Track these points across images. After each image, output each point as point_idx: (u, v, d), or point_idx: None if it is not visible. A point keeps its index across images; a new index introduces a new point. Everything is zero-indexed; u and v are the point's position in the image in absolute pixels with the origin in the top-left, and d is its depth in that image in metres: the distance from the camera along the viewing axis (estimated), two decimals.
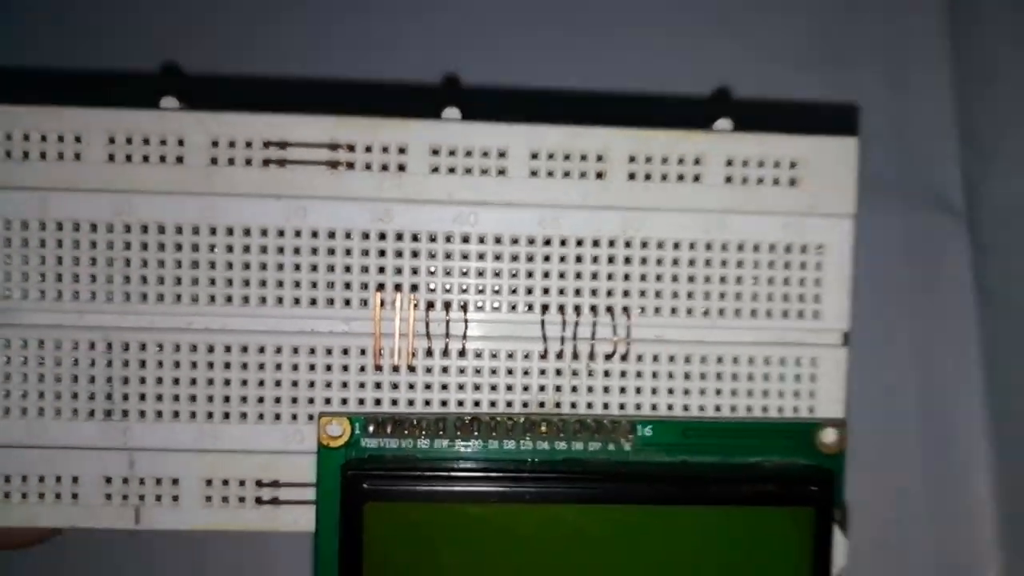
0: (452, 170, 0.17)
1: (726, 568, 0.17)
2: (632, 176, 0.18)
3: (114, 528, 0.17)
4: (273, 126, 0.17)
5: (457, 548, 0.16)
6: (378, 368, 0.17)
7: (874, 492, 0.24)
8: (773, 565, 0.17)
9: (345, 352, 0.17)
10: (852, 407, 0.18)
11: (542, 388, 0.18)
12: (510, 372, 0.18)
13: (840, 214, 0.18)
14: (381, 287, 0.17)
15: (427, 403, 0.17)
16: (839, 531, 0.17)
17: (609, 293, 0.18)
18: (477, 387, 0.18)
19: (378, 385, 0.17)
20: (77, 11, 0.22)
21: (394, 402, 0.17)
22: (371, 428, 0.17)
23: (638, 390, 0.18)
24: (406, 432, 0.17)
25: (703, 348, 0.18)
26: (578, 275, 0.18)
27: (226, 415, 0.17)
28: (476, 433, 0.17)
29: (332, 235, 0.17)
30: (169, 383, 0.17)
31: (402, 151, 0.17)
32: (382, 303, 0.17)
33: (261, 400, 0.17)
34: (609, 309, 0.18)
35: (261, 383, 0.17)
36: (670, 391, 0.18)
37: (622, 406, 0.18)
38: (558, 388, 0.18)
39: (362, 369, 0.17)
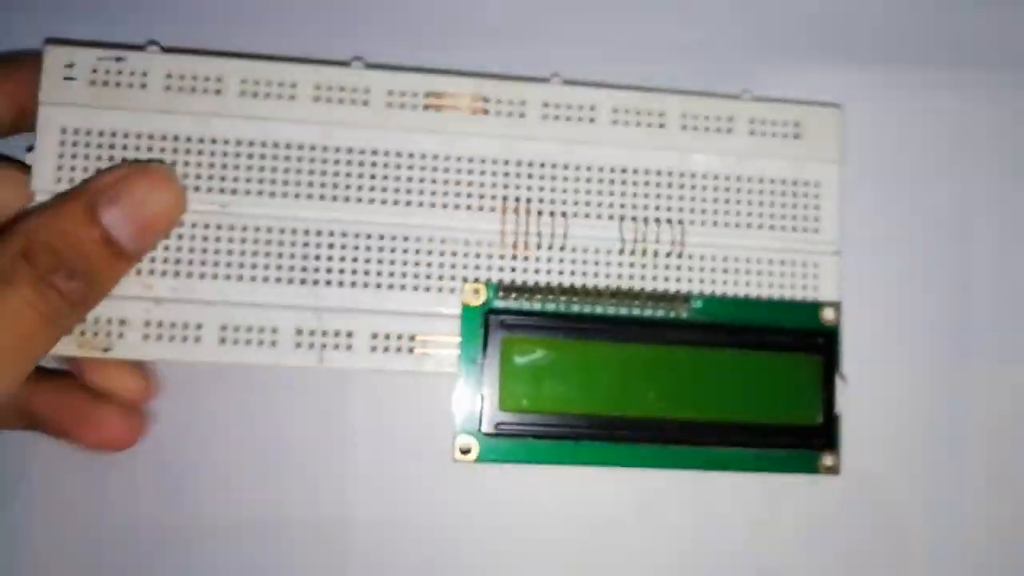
0: (557, 118, 0.24)
1: (759, 397, 0.23)
2: (684, 127, 0.25)
3: (302, 366, 0.23)
4: (432, 81, 0.24)
5: (563, 370, 0.23)
6: (502, 256, 0.24)
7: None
8: (795, 399, 0.23)
9: (479, 243, 0.24)
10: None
11: (619, 276, 0.24)
12: (596, 263, 0.24)
13: (830, 160, 0.25)
14: (506, 198, 0.24)
15: (536, 281, 0.24)
16: (840, 381, 0.24)
17: (668, 208, 0.24)
18: (573, 272, 0.24)
19: (501, 268, 0.24)
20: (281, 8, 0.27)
21: (513, 280, 0.24)
22: (500, 293, 0.23)
23: (689, 280, 0.24)
24: (525, 297, 0.23)
25: (737, 251, 0.24)
26: (646, 195, 0.24)
27: (390, 285, 0.23)
28: (575, 299, 0.23)
29: (471, 160, 0.24)
30: (350, 260, 0.23)
31: (522, 103, 0.24)
32: (506, 209, 0.24)
33: (416, 275, 0.24)
34: (669, 220, 0.24)
35: (417, 263, 0.24)
36: (712, 281, 0.24)
37: (678, 290, 0.24)
38: (631, 277, 0.24)
39: (490, 256, 0.24)
